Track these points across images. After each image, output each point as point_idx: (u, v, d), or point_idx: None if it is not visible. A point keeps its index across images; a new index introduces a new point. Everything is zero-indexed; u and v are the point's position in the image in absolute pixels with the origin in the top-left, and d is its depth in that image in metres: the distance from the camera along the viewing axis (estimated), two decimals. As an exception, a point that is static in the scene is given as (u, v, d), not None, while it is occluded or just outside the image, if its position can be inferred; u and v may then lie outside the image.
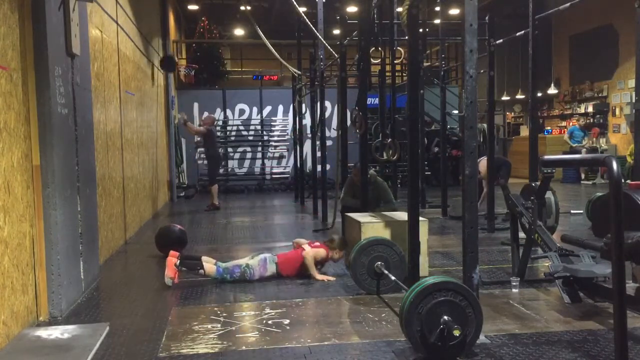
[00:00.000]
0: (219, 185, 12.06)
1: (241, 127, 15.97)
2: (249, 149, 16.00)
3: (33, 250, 4.24)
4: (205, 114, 14.17)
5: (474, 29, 3.76)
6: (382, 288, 4.86)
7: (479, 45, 3.90)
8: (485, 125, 8.77)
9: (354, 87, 8.97)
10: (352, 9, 14.53)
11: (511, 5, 15.45)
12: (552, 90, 17.33)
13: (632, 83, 13.77)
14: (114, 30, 7.58)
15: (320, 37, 9.37)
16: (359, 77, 7.90)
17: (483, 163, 8.40)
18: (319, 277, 5.49)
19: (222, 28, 19.74)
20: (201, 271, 5.41)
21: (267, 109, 15.99)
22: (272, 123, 16.02)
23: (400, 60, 11.56)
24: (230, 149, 15.87)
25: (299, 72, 12.55)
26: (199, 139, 15.12)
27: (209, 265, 5.46)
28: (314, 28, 9.14)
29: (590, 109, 17.62)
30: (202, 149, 11.72)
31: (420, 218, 4.81)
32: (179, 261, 5.35)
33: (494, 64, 8.33)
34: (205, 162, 12.18)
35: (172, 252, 5.43)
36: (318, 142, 10.35)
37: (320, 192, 9.88)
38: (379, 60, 9.56)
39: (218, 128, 15.64)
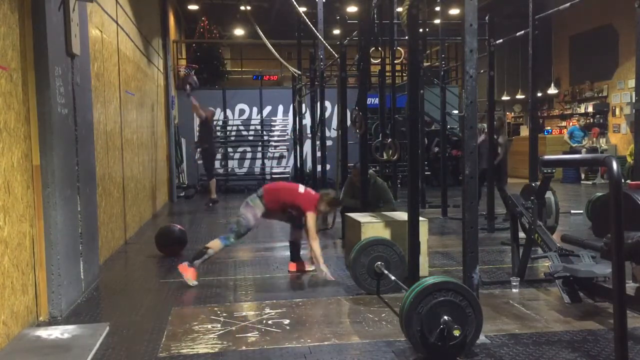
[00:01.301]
0: (219, 184, 12.10)
1: (241, 127, 15.97)
2: (249, 149, 16.00)
3: (33, 250, 4.23)
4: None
5: (474, 29, 3.76)
6: (382, 288, 4.86)
7: (479, 45, 3.90)
8: (485, 125, 8.77)
9: (354, 87, 8.97)
10: (352, 9, 14.53)
11: (511, 5, 15.44)
12: (552, 90, 17.34)
13: (632, 83, 13.77)
14: (114, 30, 7.58)
15: (320, 37, 9.37)
16: (359, 77, 7.89)
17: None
18: (323, 267, 5.39)
19: (222, 28, 19.74)
20: (210, 251, 5.49)
21: (267, 109, 15.99)
22: (272, 123, 16.01)
23: (400, 60, 11.55)
24: (230, 149, 15.87)
25: (299, 72, 12.56)
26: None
27: (214, 242, 5.53)
28: (314, 28, 9.14)
29: (590, 109, 17.62)
30: (198, 144, 11.81)
31: (420, 218, 4.81)
32: (187, 262, 5.45)
33: (494, 64, 8.33)
34: (202, 161, 12.26)
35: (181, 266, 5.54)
36: (318, 142, 10.36)
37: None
38: (379, 60, 9.57)
39: (218, 128, 15.67)
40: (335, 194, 5.92)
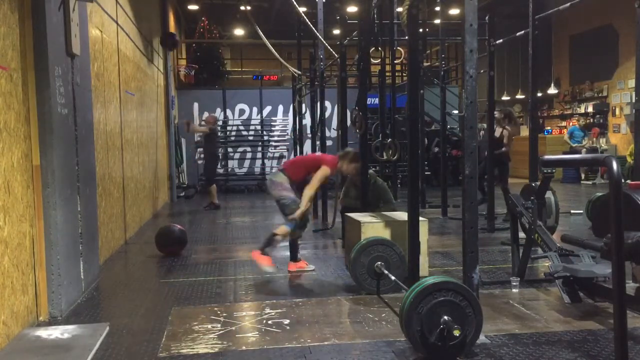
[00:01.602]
0: (219, 185, 12.09)
1: (241, 127, 15.97)
2: (249, 149, 16.00)
3: (33, 250, 4.24)
4: (206, 114, 14.24)
5: (474, 29, 3.76)
6: (382, 288, 4.86)
7: (479, 45, 3.90)
8: (485, 125, 8.76)
9: (354, 87, 8.97)
10: (352, 9, 14.53)
11: (511, 5, 15.44)
12: (552, 90, 17.33)
13: (632, 83, 13.76)
14: (114, 30, 7.58)
15: (320, 37, 9.37)
16: (359, 77, 7.89)
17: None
18: (301, 209, 5.50)
19: (222, 28, 19.74)
20: (278, 237, 5.60)
21: (267, 109, 15.99)
22: (272, 123, 16.01)
23: (400, 60, 11.56)
24: (230, 149, 15.86)
25: (299, 72, 12.55)
26: (199, 138, 15.19)
27: (280, 228, 5.64)
28: (314, 28, 9.14)
29: (590, 109, 17.62)
30: (201, 148, 11.78)
31: (420, 218, 4.80)
32: (260, 251, 5.56)
33: (494, 64, 8.32)
34: (202, 161, 12.23)
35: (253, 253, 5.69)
36: (318, 142, 10.35)
37: (320, 192, 9.87)
38: (379, 60, 9.57)
39: (218, 128, 15.66)
40: (355, 151, 6.09)
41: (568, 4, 7.25)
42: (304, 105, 12.58)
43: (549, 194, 6.07)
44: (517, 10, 13.39)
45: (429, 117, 13.78)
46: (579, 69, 18.37)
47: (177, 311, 4.58)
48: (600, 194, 8.41)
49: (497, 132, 9.27)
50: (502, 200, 8.13)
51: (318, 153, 5.98)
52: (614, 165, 2.70)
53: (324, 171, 5.60)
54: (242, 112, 15.95)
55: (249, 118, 15.97)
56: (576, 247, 4.89)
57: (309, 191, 5.56)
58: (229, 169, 15.82)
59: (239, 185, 15.50)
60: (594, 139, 16.38)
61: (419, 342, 3.39)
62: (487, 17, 8.14)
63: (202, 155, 12.15)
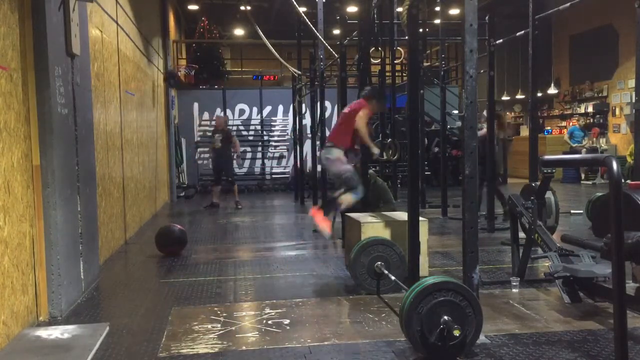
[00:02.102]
0: (220, 185, 12.12)
1: (241, 127, 15.97)
2: (249, 149, 16.00)
3: (33, 250, 4.24)
4: (206, 114, 14.26)
5: (474, 29, 3.76)
6: (382, 288, 4.86)
7: (479, 45, 3.90)
8: (485, 125, 8.76)
9: (354, 87, 8.96)
10: (352, 9, 14.53)
11: (511, 5, 15.44)
12: (552, 90, 17.33)
13: (632, 83, 13.76)
14: (114, 30, 7.58)
15: (320, 37, 9.37)
16: (359, 77, 7.89)
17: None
18: (374, 148, 5.75)
19: (222, 28, 19.74)
20: (340, 203, 5.72)
21: (267, 109, 15.99)
22: (272, 123, 16.02)
23: (400, 60, 11.56)
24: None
25: (299, 72, 12.56)
26: (198, 138, 15.21)
27: (346, 197, 5.72)
28: (314, 28, 9.14)
29: (590, 109, 17.62)
30: (220, 148, 11.78)
31: (420, 218, 4.80)
32: (322, 213, 5.67)
33: (494, 64, 8.32)
34: (210, 162, 12.29)
35: (314, 211, 5.77)
36: (318, 142, 10.35)
37: (320, 192, 9.87)
38: (379, 60, 9.57)
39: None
40: (372, 88, 6.26)
41: (568, 4, 7.24)
42: (304, 105, 12.59)
43: (549, 194, 6.07)
44: (517, 10, 13.40)
45: (429, 117, 13.78)
46: (579, 69, 18.37)
47: (177, 311, 4.59)
48: (600, 194, 8.41)
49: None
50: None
51: (346, 109, 6.03)
52: (614, 165, 2.70)
53: (363, 117, 5.69)
54: (242, 112, 15.95)
55: (249, 118, 15.97)
56: (576, 247, 4.89)
57: (365, 137, 5.68)
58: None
59: (238, 185, 15.48)
60: (594, 139, 16.38)
61: (419, 342, 3.39)
62: (487, 17, 8.14)
63: (222, 161, 11.99)
